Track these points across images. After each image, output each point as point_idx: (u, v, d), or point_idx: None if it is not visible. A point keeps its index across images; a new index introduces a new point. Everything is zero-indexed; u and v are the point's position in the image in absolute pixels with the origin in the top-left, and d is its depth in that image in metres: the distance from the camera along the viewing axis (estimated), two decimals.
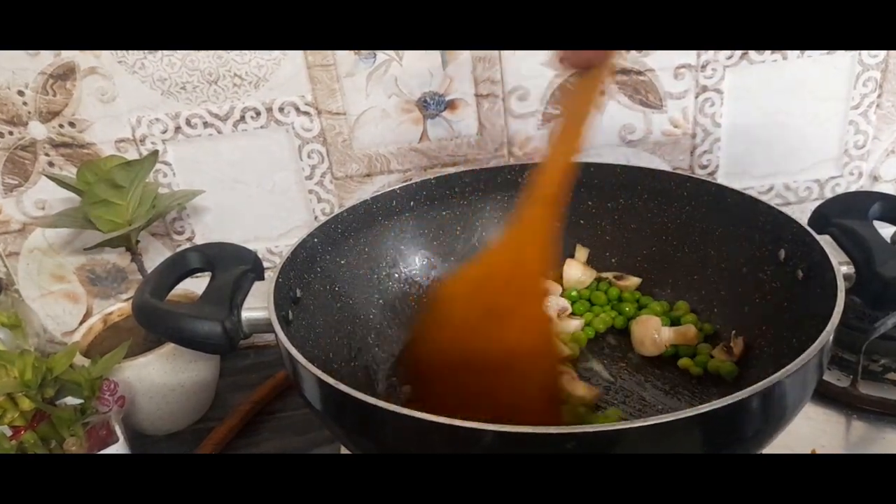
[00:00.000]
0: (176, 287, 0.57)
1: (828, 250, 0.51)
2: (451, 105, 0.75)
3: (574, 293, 0.69)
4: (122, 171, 0.65)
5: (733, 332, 0.61)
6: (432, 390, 0.47)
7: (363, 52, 0.72)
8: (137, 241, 0.72)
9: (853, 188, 0.80)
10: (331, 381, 0.43)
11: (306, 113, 0.74)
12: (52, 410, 0.56)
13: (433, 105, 0.75)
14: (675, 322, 0.64)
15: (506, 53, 0.72)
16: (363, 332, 0.64)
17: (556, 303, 0.67)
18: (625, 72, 0.74)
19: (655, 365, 0.62)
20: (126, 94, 0.72)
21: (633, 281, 0.68)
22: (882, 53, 0.73)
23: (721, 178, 0.79)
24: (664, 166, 0.78)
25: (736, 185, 0.63)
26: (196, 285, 0.63)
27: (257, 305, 0.53)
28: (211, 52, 0.71)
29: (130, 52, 0.70)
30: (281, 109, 0.74)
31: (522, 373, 0.43)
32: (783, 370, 0.40)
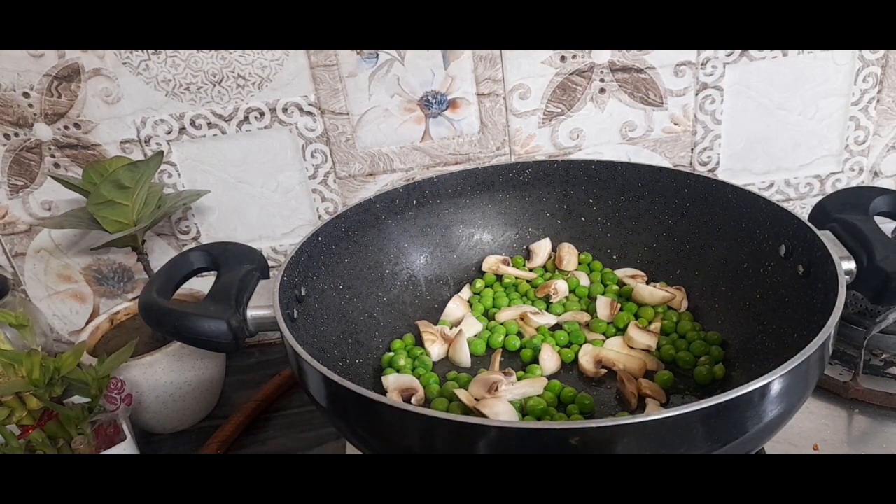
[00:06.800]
0: (182, 286, 0.58)
1: (828, 246, 0.51)
2: (452, 104, 0.75)
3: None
4: (128, 172, 0.65)
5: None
6: None
7: (365, 52, 0.72)
8: (143, 241, 0.72)
9: (854, 184, 0.80)
10: (336, 378, 0.43)
11: (309, 113, 0.74)
12: (59, 409, 0.56)
13: (435, 104, 0.75)
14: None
15: (507, 52, 0.72)
16: (367, 330, 0.65)
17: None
18: (625, 69, 0.74)
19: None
20: (131, 95, 0.73)
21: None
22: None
23: (722, 175, 0.79)
24: (665, 163, 0.79)
25: (736, 181, 0.63)
26: (202, 284, 0.64)
27: (262, 304, 0.53)
28: (215, 53, 0.71)
29: (135, 53, 0.71)
30: (284, 110, 0.74)
31: None
32: (785, 364, 0.41)
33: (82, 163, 0.76)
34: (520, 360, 0.63)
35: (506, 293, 0.70)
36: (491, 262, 0.72)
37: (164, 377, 0.66)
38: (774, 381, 0.40)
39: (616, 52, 0.73)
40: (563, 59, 0.73)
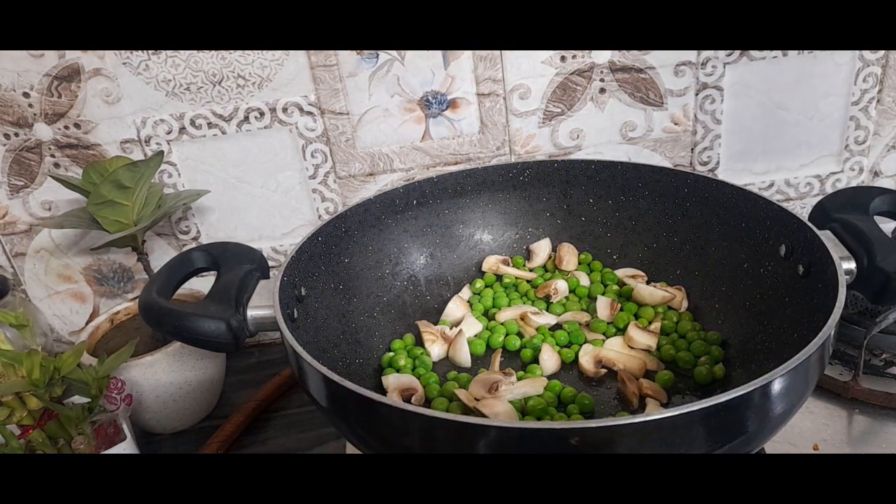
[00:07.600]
0: (182, 286, 0.58)
1: (828, 246, 0.51)
2: (452, 104, 0.75)
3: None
4: (128, 172, 0.65)
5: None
6: None
7: (365, 52, 0.72)
8: (143, 241, 0.72)
9: (854, 184, 0.80)
10: (336, 378, 0.43)
11: (310, 113, 0.74)
12: (59, 409, 0.56)
13: (435, 104, 0.75)
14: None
15: (507, 52, 0.72)
16: (367, 330, 0.65)
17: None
18: (625, 69, 0.74)
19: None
20: (131, 95, 0.73)
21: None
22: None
23: (722, 175, 0.79)
24: (665, 163, 0.79)
25: (736, 181, 0.63)
26: (202, 284, 0.64)
27: (262, 304, 0.53)
28: (215, 53, 0.71)
29: (135, 53, 0.71)
30: (284, 109, 0.74)
31: None
32: (785, 364, 0.41)
33: (82, 163, 0.76)
34: (520, 360, 0.63)
35: (506, 293, 0.70)
36: (491, 262, 0.72)
37: (164, 377, 0.66)
38: (774, 381, 0.40)
39: (616, 52, 0.73)
40: (563, 59, 0.73)
